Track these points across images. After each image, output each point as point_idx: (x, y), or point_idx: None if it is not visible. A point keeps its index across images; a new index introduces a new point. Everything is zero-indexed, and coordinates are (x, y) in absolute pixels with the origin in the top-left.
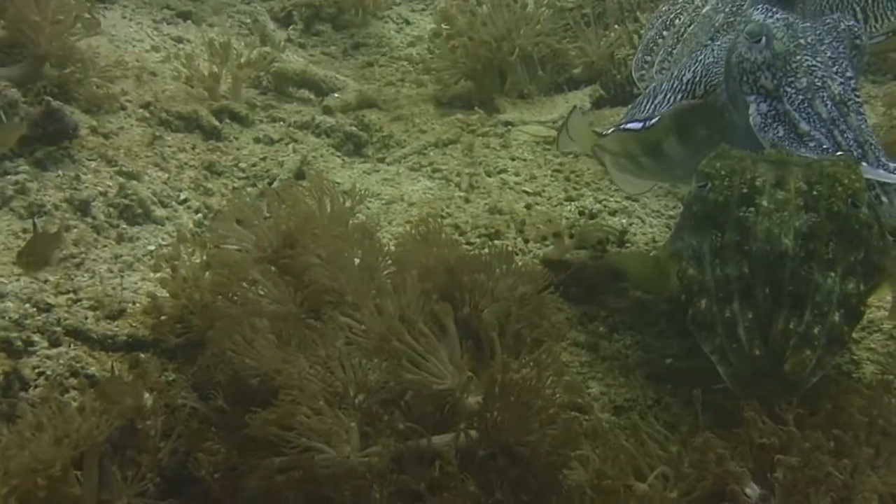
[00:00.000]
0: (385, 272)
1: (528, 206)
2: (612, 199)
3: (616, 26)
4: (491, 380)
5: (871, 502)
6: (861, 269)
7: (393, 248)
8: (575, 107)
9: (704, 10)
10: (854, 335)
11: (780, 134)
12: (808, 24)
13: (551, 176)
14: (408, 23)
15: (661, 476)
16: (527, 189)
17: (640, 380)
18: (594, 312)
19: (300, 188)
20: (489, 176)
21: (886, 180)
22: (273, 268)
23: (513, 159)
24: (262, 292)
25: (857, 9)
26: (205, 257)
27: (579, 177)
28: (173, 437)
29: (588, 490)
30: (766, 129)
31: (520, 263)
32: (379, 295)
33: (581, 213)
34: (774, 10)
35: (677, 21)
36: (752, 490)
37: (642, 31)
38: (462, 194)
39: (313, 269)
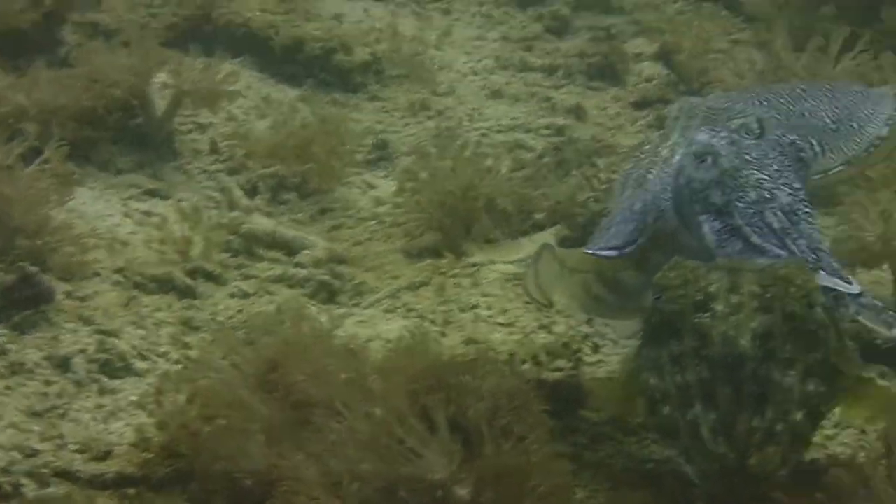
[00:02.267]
0: (372, 382)
1: (502, 336)
2: (584, 325)
3: (575, 172)
4: (483, 466)
5: None
6: (820, 370)
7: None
8: (544, 244)
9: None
10: (828, 432)
11: (739, 248)
12: (752, 141)
13: (523, 308)
14: (371, 187)
15: None
16: (500, 321)
17: (624, 484)
18: (575, 425)
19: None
20: (462, 312)
21: (842, 289)
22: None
23: (484, 296)
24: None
25: (814, 142)
26: (189, 390)
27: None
28: None
29: None
30: (723, 245)
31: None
32: (367, 400)
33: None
34: (718, 129)
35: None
36: None
37: (601, 175)
38: (438, 329)
39: (300, 385)
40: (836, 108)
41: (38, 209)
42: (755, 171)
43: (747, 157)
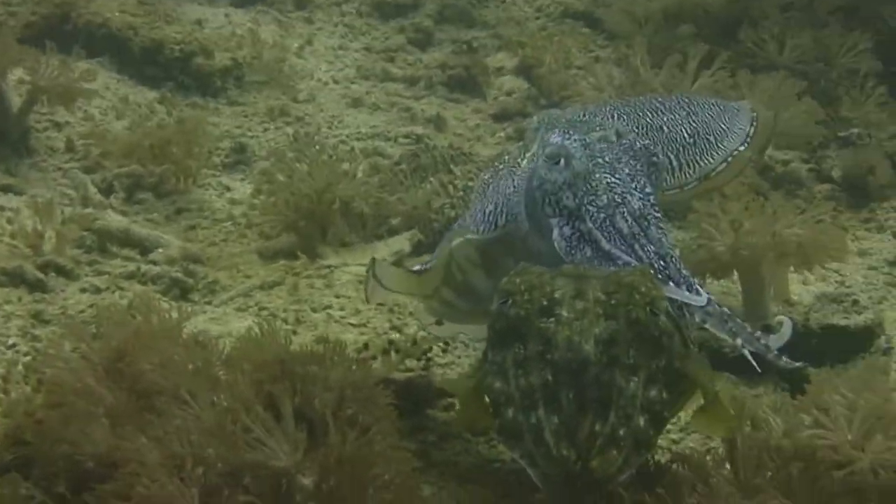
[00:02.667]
0: (220, 372)
1: (354, 336)
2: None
3: (431, 179)
4: (326, 455)
5: None
6: (663, 376)
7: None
8: (373, 259)
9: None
10: (673, 436)
11: (588, 254)
12: (604, 144)
13: (375, 309)
14: (228, 189)
15: None
16: (352, 322)
17: (470, 482)
18: (423, 424)
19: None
20: (314, 312)
21: (689, 300)
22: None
23: (337, 297)
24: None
25: (672, 157)
26: (35, 379)
27: (403, 308)
28: None
29: None
30: (572, 251)
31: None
32: (213, 389)
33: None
34: (571, 133)
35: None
36: None
37: (457, 183)
38: (289, 328)
39: (146, 374)
40: (694, 122)
41: None
42: (607, 175)
43: (599, 160)
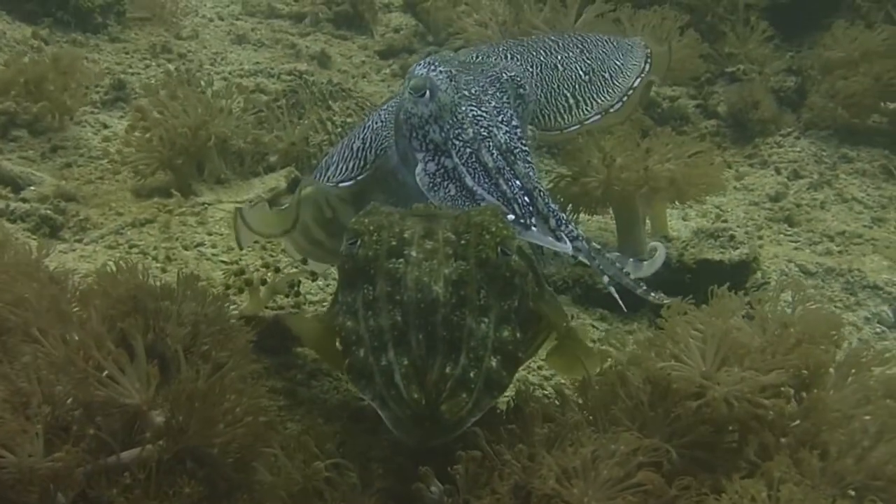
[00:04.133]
0: (73, 308)
1: (224, 273)
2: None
3: (310, 115)
4: (176, 390)
5: (549, 480)
6: (516, 316)
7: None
8: (236, 208)
9: None
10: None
11: (452, 193)
12: (471, 76)
13: (249, 247)
14: (106, 126)
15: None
16: (224, 259)
17: (336, 419)
18: (292, 362)
19: None
20: (186, 249)
21: (553, 248)
22: None
23: (209, 234)
24: None
25: (568, 94)
26: None
27: (276, 245)
28: None
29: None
30: (435, 188)
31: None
32: (63, 326)
33: (267, 267)
34: (436, 64)
35: None
36: (437, 487)
37: (336, 119)
38: (159, 265)
39: None
40: (588, 59)
41: None
42: (473, 108)
43: (465, 92)
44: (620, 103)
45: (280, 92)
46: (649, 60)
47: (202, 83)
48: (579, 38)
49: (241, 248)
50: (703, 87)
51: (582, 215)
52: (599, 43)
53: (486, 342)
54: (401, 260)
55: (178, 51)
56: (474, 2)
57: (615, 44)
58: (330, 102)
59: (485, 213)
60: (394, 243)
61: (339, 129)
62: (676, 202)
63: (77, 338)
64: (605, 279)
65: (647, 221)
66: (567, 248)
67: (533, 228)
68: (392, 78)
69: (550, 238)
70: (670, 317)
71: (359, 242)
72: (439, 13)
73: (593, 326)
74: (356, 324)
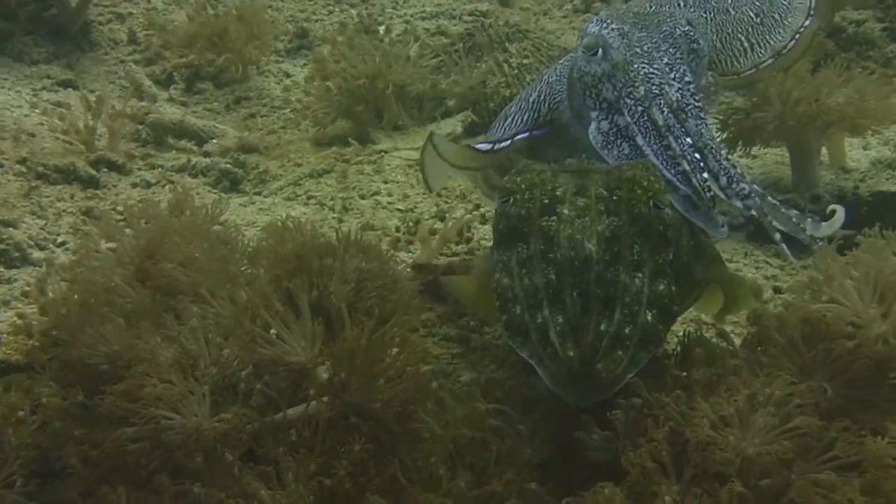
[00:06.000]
0: (242, 269)
1: (400, 221)
2: (483, 209)
3: (487, 58)
4: (338, 348)
5: (704, 427)
6: (671, 269)
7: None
8: (431, 133)
9: None
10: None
11: (626, 152)
12: (643, 33)
13: (424, 194)
14: (288, 76)
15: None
16: (399, 207)
17: (507, 366)
18: (464, 310)
19: (159, 203)
20: (362, 199)
21: (708, 230)
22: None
23: (385, 182)
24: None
25: (742, 38)
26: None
27: (450, 192)
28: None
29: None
30: (608, 146)
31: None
32: (232, 286)
33: (440, 217)
34: (609, 21)
35: None
36: (598, 434)
37: (512, 62)
38: (336, 216)
39: (167, 270)
40: (757, 1)
41: None
42: (645, 65)
43: (637, 49)
44: (793, 42)
45: (458, 35)
46: None
47: (380, 30)
48: None
49: (431, 190)
50: (891, 10)
51: (756, 149)
52: None
53: (640, 297)
54: (553, 217)
55: None
56: None
57: None
58: (507, 44)
59: (636, 167)
60: (546, 201)
61: (516, 71)
62: (850, 134)
63: (245, 297)
64: (777, 236)
65: (825, 152)
66: (721, 231)
67: (691, 210)
68: (574, 14)
69: (704, 218)
70: (825, 257)
71: (511, 200)
72: None
73: (767, 263)
74: (512, 281)
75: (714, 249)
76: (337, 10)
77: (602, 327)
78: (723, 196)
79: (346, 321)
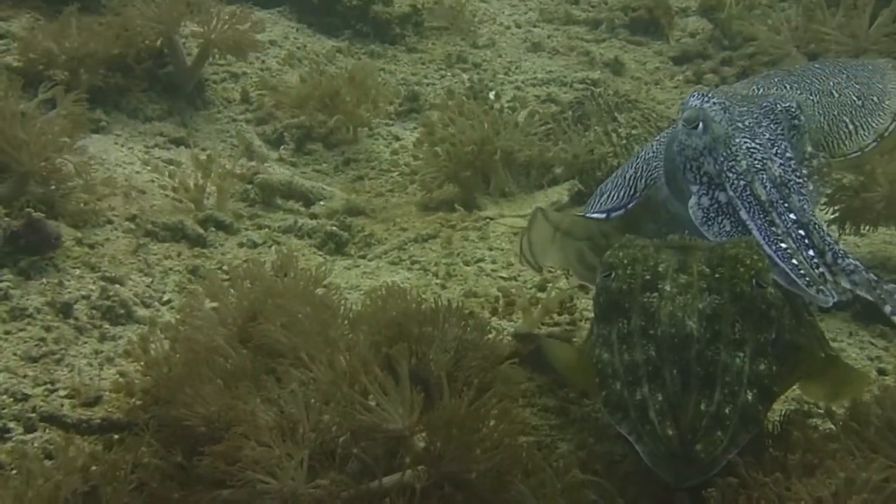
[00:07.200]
0: (343, 333)
1: (501, 290)
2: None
3: (596, 127)
4: (436, 416)
5: None
6: (773, 349)
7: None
8: (536, 208)
9: None
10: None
11: (728, 229)
12: (745, 107)
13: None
14: (398, 139)
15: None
16: (503, 275)
17: (607, 439)
18: (565, 379)
19: (263, 264)
20: (466, 265)
21: (814, 301)
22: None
23: (490, 249)
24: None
25: (847, 120)
26: (173, 337)
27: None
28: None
29: None
30: (709, 223)
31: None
32: (332, 350)
33: (543, 288)
34: (710, 95)
35: None
36: None
37: (621, 131)
38: (439, 282)
39: (272, 334)
40: (857, 83)
41: (49, 154)
42: (747, 140)
43: (739, 124)
44: (894, 124)
45: (567, 103)
46: None
47: (491, 96)
48: (841, 63)
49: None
50: None
51: (865, 229)
52: (859, 67)
53: (741, 377)
54: (655, 294)
55: (472, 60)
56: (767, 8)
57: (871, 67)
58: (616, 114)
59: (739, 245)
60: (648, 277)
61: (624, 141)
62: None
63: (344, 362)
64: (888, 309)
65: None
66: (826, 300)
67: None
68: (685, 84)
69: (812, 288)
70: None
71: (613, 275)
72: (734, 19)
73: (872, 343)
74: (612, 356)
75: (819, 329)
76: (449, 74)
77: (702, 407)
78: (828, 274)
79: (445, 390)
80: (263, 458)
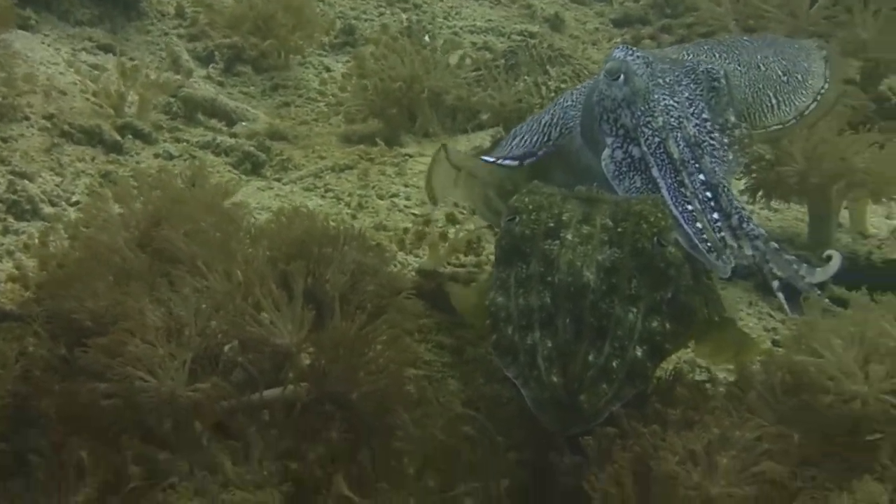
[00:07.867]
0: (243, 247)
1: (412, 224)
2: None
3: (526, 77)
4: (324, 336)
5: (670, 461)
6: (668, 308)
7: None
8: (444, 144)
9: None
10: None
11: (637, 185)
12: (667, 65)
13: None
14: (328, 70)
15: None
16: (415, 212)
17: (496, 382)
18: (463, 321)
19: (172, 173)
20: (380, 199)
21: (713, 269)
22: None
23: (406, 186)
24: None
25: (770, 94)
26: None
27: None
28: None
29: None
30: (620, 177)
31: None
32: (229, 262)
33: (451, 221)
34: (634, 49)
35: None
36: (569, 458)
37: (550, 84)
38: (350, 212)
39: (170, 237)
40: (784, 60)
41: None
42: (666, 97)
43: (660, 80)
44: (814, 104)
45: (501, 52)
46: (828, 62)
47: (426, 38)
48: (770, 38)
49: (434, 201)
50: None
51: (777, 203)
52: (787, 45)
53: (632, 332)
54: (556, 242)
55: (414, 1)
56: None
57: (798, 46)
58: (548, 67)
59: (645, 202)
60: (551, 224)
61: (553, 94)
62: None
63: (241, 275)
64: (775, 284)
65: (847, 215)
66: (725, 270)
67: (695, 246)
68: None
69: (711, 254)
70: (817, 313)
71: (517, 220)
72: None
73: (770, 315)
74: (507, 300)
75: (716, 293)
76: (388, 12)
77: (590, 358)
78: (732, 237)
79: (337, 311)
80: (146, 355)
